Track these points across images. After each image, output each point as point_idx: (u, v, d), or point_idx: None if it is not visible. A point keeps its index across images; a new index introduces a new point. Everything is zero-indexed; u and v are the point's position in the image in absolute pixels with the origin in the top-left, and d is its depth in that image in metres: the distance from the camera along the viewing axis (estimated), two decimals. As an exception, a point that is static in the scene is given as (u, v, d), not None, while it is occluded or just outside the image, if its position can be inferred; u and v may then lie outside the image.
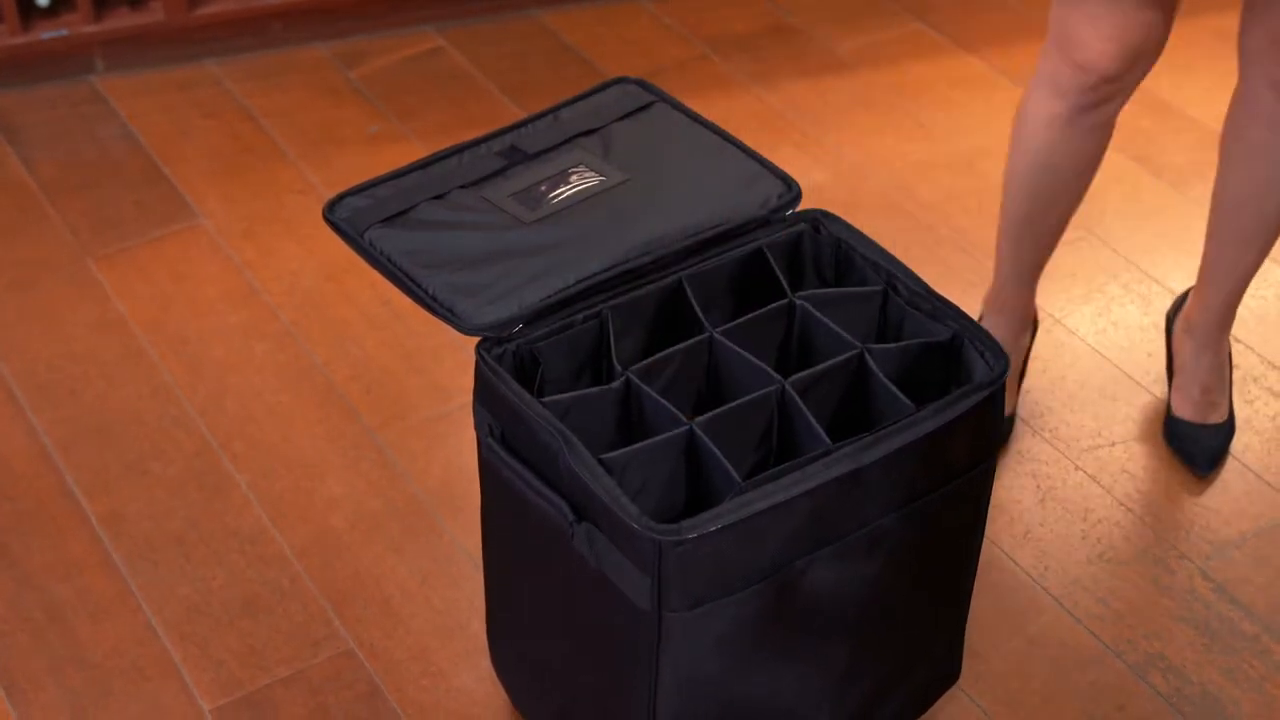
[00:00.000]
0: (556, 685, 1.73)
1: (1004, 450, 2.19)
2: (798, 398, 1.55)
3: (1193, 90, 2.87)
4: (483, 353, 1.58)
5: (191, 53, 2.93)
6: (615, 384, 1.58)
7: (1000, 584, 2.03)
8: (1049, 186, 2.01)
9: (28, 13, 2.83)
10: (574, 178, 1.71)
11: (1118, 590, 2.03)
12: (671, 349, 1.61)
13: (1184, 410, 2.19)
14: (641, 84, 1.85)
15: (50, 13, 2.84)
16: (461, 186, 1.71)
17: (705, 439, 1.52)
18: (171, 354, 2.36)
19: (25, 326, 2.40)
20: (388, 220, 1.67)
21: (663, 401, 1.55)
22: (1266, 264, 2.50)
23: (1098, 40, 1.83)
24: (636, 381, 1.58)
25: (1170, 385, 2.23)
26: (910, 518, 1.57)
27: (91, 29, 2.84)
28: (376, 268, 1.64)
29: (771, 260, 1.68)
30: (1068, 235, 2.56)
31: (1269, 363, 2.34)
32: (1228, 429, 2.19)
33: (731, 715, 1.58)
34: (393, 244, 1.64)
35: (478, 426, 1.62)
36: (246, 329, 2.40)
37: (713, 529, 1.43)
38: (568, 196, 1.69)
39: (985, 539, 2.05)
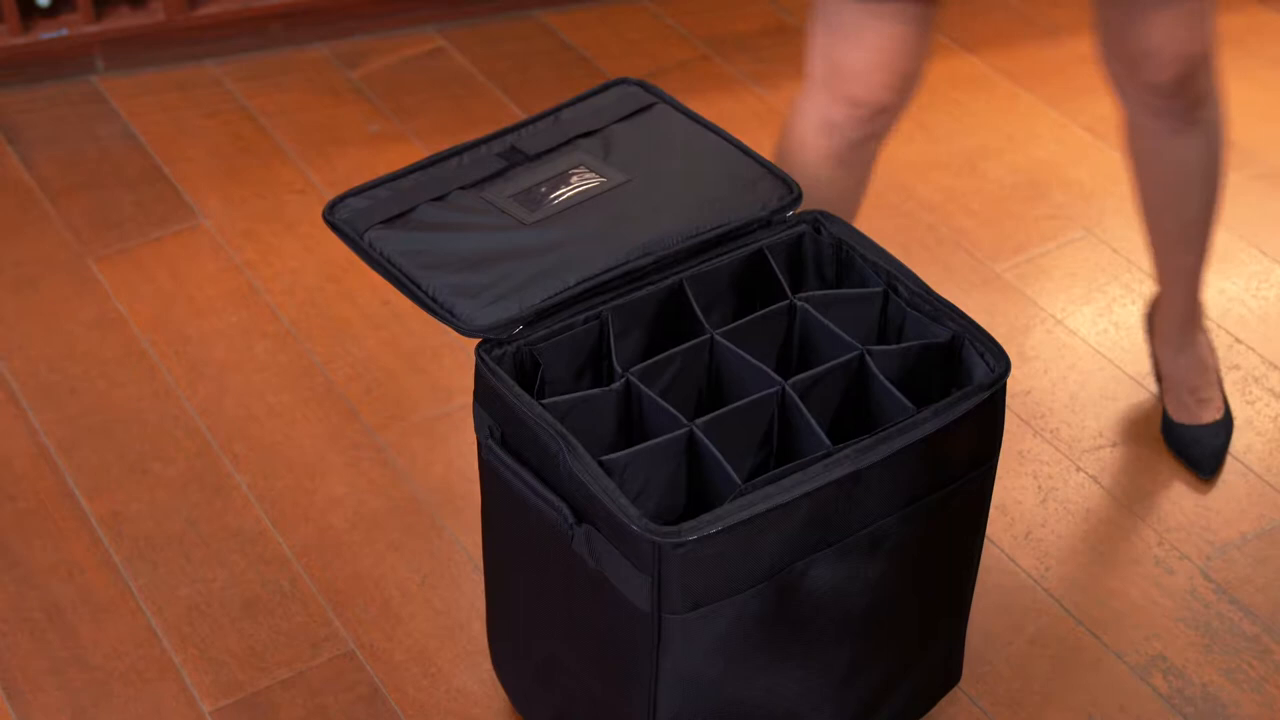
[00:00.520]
0: (556, 687, 1.72)
1: (1004, 451, 2.19)
2: (798, 399, 1.55)
3: (1194, 90, 2.86)
4: (483, 354, 1.58)
5: (192, 53, 2.93)
6: (616, 385, 1.58)
7: (1001, 585, 2.03)
8: None
9: (28, 13, 2.83)
10: (574, 179, 1.71)
11: (1118, 591, 2.03)
12: (672, 350, 1.61)
13: (1179, 414, 2.19)
14: (642, 85, 1.84)
15: (50, 13, 2.84)
16: (462, 188, 1.70)
17: (706, 441, 1.51)
18: (172, 354, 2.36)
19: (25, 326, 2.40)
20: (388, 221, 1.67)
21: (663, 403, 1.55)
22: (1266, 264, 2.49)
23: (871, 70, 1.79)
24: (637, 383, 1.57)
25: (1160, 391, 2.23)
26: (911, 519, 1.57)
27: (92, 29, 2.84)
28: (376, 269, 1.64)
29: (772, 261, 1.68)
30: (1068, 236, 2.56)
31: (1270, 363, 2.33)
32: (1226, 425, 2.19)
33: (731, 717, 1.58)
34: (393, 245, 1.64)
35: (478, 428, 1.62)
36: (247, 329, 2.40)
37: (713, 531, 1.43)
38: (568, 198, 1.68)
39: (986, 540, 2.05)
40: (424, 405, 2.28)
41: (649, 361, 1.59)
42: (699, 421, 1.53)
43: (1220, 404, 2.19)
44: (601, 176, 1.71)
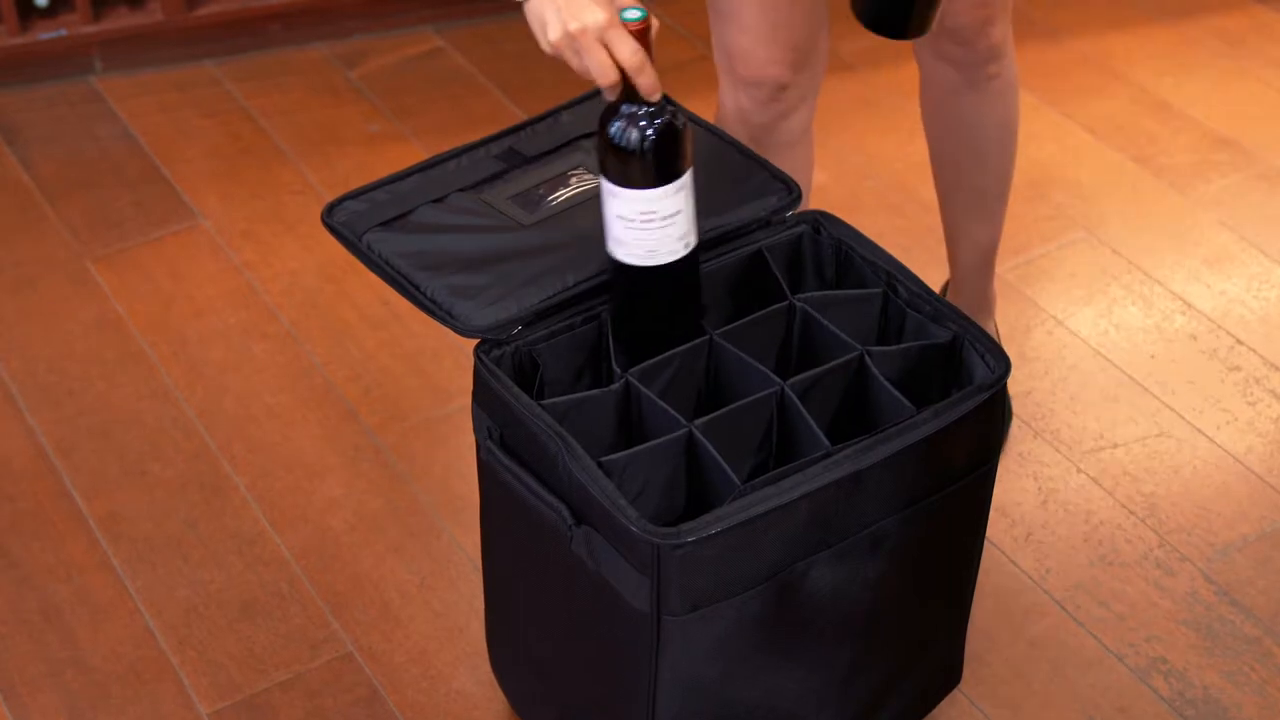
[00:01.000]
0: (555, 688, 1.72)
1: (1005, 452, 2.19)
2: (797, 400, 1.55)
3: (1194, 90, 2.86)
4: (481, 355, 1.57)
5: (190, 53, 2.92)
6: (614, 386, 1.57)
7: (1002, 587, 2.03)
8: None
9: (26, 13, 2.83)
10: (573, 180, 1.71)
11: (1119, 593, 2.02)
12: (671, 351, 1.60)
13: None
14: (641, 85, 1.84)
15: (49, 13, 2.84)
16: (460, 189, 1.70)
17: (705, 441, 1.51)
18: (171, 354, 2.35)
19: (24, 327, 2.40)
20: (386, 224, 1.66)
21: (662, 404, 1.55)
22: (1268, 265, 2.49)
23: (759, 48, 1.81)
24: (636, 384, 1.57)
25: None
26: (911, 520, 1.56)
27: (90, 29, 2.84)
28: (375, 271, 1.64)
29: (771, 262, 1.67)
30: (1068, 236, 2.55)
31: (1271, 365, 2.33)
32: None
33: (730, 718, 1.58)
34: (391, 247, 1.64)
35: (476, 429, 1.62)
36: (246, 329, 2.39)
37: (712, 532, 1.42)
38: (567, 199, 1.68)
39: (986, 541, 2.05)
40: (423, 406, 2.27)
41: (648, 362, 1.59)
42: (698, 422, 1.53)
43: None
44: (599, 178, 1.70)
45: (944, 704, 1.88)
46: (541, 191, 1.69)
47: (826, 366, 1.58)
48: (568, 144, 1.76)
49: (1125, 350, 2.36)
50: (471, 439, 1.65)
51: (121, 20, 2.86)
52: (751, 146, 1.86)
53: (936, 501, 1.57)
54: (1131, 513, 2.12)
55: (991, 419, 1.59)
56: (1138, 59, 2.94)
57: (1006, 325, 2.38)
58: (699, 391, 1.64)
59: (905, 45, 3.06)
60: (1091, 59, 2.95)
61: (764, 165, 1.74)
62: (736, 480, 1.47)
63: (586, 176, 1.71)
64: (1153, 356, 2.34)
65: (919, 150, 2.73)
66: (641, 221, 1.51)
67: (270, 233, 2.56)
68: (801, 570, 1.50)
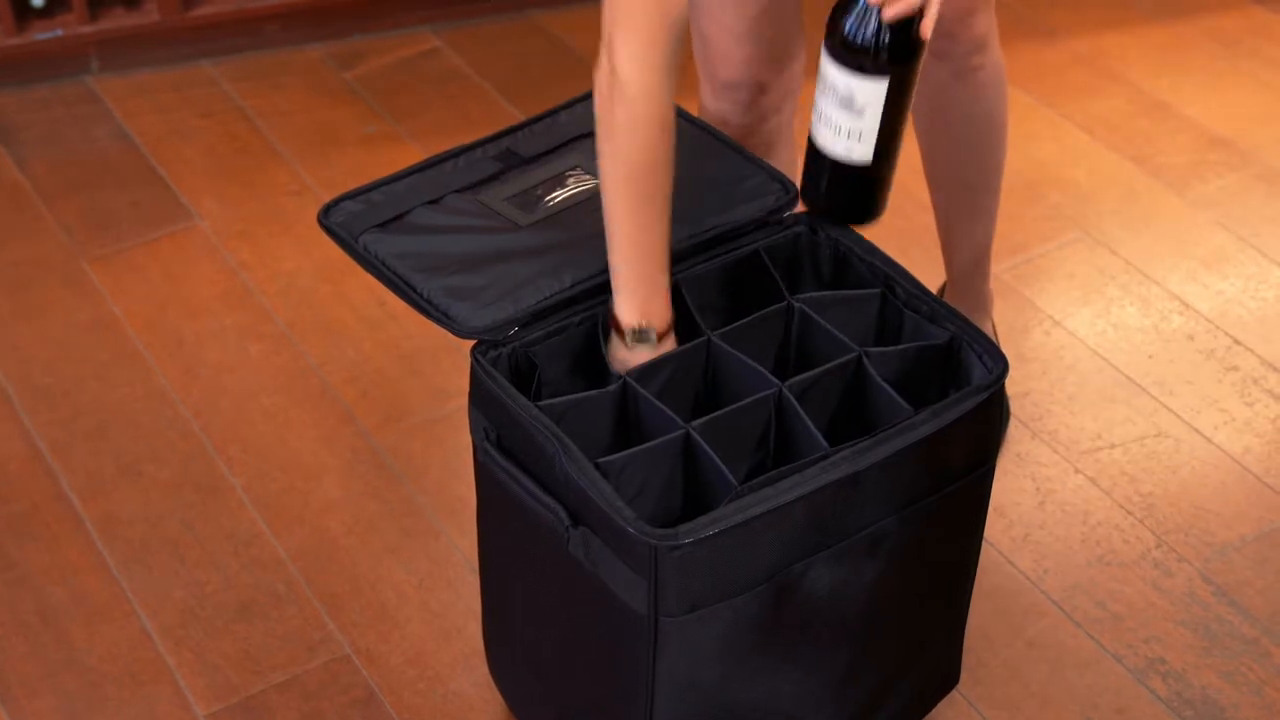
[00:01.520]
0: (553, 690, 1.72)
1: (1003, 453, 2.18)
2: (795, 401, 1.55)
3: (1190, 90, 2.86)
4: (478, 356, 1.57)
5: (187, 53, 2.92)
6: (612, 387, 1.57)
7: (999, 587, 2.03)
8: None
9: (22, 13, 2.82)
10: (570, 181, 1.71)
11: (1117, 593, 2.02)
12: (669, 351, 1.60)
13: None
14: (638, 86, 1.84)
15: (45, 13, 2.83)
16: (457, 191, 1.70)
17: (702, 442, 1.51)
18: (167, 355, 2.35)
19: (20, 328, 2.40)
20: (383, 225, 1.66)
21: (659, 405, 1.54)
22: (1265, 265, 2.49)
23: (738, 47, 1.83)
24: (633, 385, 1.57)
25: None
26: (909, 521, 1.56)
27: (86, 29, 2.83)
28: (372, 272, 1.63)
29: (769, 262, 1.67)
30: (1066, 237, 2.55)
31: (1269, 365, 2.33)
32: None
33: (729, 719, 1.58)
34: (388, 248, 1.63)
35: (473, 430, 1.61)
36: (242, 330, 2.39)
37: (709, 533, 1.42)
38: (564, 199, 1.68)
39: (984, 542, 2.04)
40: (420, 407, 2.27)
41: (645, 363, 1.58)
42: (696, 423, 1.52)
43: None
44: (597, 178, 1.70)
45: (942, 704, 1.88)
46: (538, 192, 1.69)
47: (824, 368, 1.58)
48: (565, 145, 1.76)
49: (1123, 350, 2.35)
50: (469, 440, 1.65)
51: (118, 20, 2.85)
52: None
53: (934, 502, 1.57)
54: (1129, 513, 2.12)
55: (989, 420, 1.59)
56: (1134, 59, 2.94)
57: (1004, 325, 2.37)
58: (697, 392, 1.63)
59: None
60: (1088, 59, 2.95)
61: (761, 166, 1.74)
62: (734, 481, 1.47)
63: (584, 177, 1.71)
64: (1150, 357, 2.34)
65: (915, 150, 2.73)
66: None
67: (267, 233, 2.56)
68: (799, 571, 1.50)
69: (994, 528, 2.09)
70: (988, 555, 2.05)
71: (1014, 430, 2.23)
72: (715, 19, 1.81)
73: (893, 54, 1.56)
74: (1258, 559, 2.06)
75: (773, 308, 1.65)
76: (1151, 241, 2.55)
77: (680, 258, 1.65)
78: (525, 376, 1.59)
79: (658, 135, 1.52)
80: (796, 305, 1.64)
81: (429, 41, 2.99)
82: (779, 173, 1.73)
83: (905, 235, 2.55)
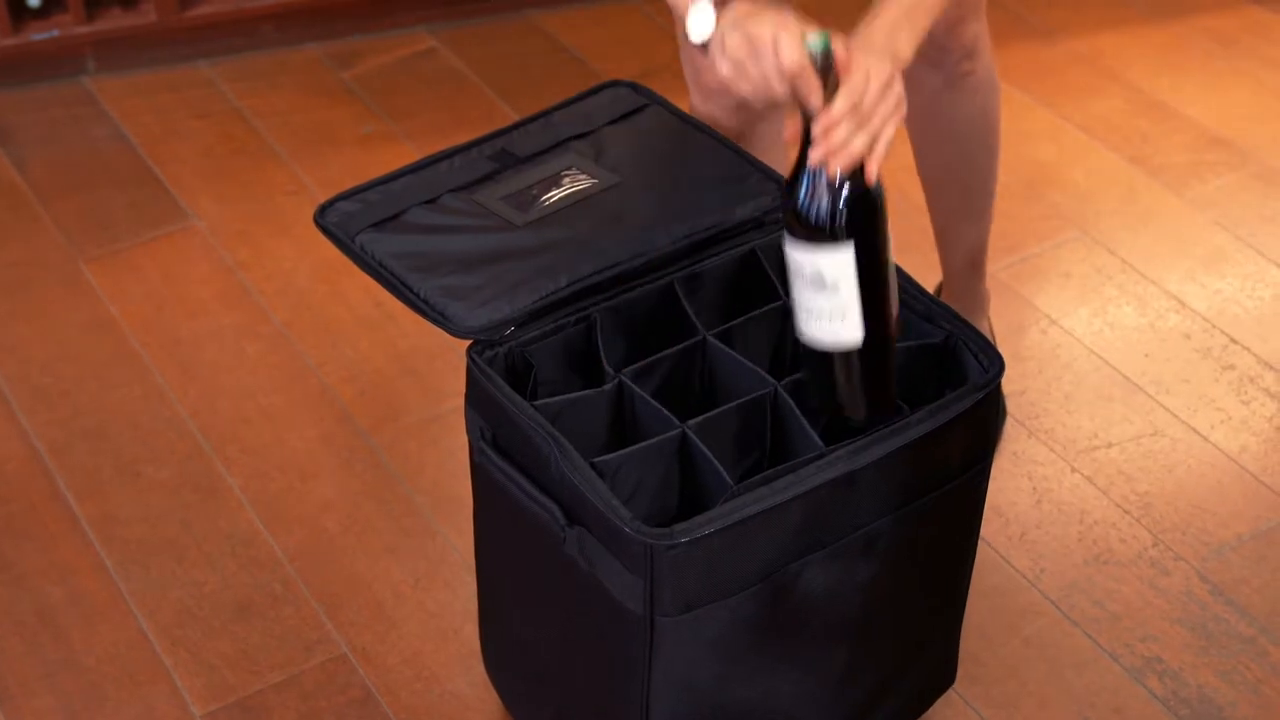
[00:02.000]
0: (549, 690, 1.72)
1: (999, 452, 2.18)
2: (790, 400, 1.55)
3: (1189, 90, 2.86)
4: (474, 355, 1.57)
5: (183, 54, 2.92)
6: (607, 387, 1.57)
7: (996, 586, 2.03)
8: None
9: (19, 14, 2.82)
10: (566, 180, 1.70)
11: (1114, 592, 2.02)
12: (664, 352, 1.60)
13: None
14: (634, 87, 1.84)
15: (42, 14, 2.83)
16: (453, 190, 1.70)
17: (698, 442, 1.51)
18: (164, 356, 2.35)
19: (17, 328, 2.40)
20: (379, 224, 1.66)
21: (655, 404, 1.55)
22: (1262, 264, 2.49)
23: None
24: (629, 384, 1.57)
25: None
26: (905, 520, 1.56)
27: (83, 30, 2.83)
28: (368, 272, 1.63)
29: (765, 262, 1.67)
30: (1063, 236, 2.55)
31: (1266, 364, 2.33)
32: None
33: (724, 719, 1.57)
34: (384, 248, 1.63)
35: (469, 430, 1.61)
36: (239, 330, 2.39)
37: (705, 533, 1.42)
38: (560, 199, 1.68)
39: (981, 541, 2.04)
40: (417, 407, 2.27)
41: (641, 363, 1.59)
42: (691, 423, 1.52)
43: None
44: (593, 178, 1.70)
45: (939, 704, 1.88)
46: (534, 192, 1.69)
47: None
48: (560, 144, 1.76)
49: (1120, 349, 2.36)
50: (465, 439, 1.65)
51: (114, 21, 2.85)
52: None
53: (930, 502, 1.57)
54: (1126, 512, 2.12)
55: (985, 419, 1.59)
56: (1132, 59, 2.94)
57: (1001, 324, 2.37)
58: (692, 392, 1.63)
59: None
60: (1086, 59, 2.95)
61: (757, 165, 1.74)
62: (730, 481, 1.47)
63: (579, 177, 1.71)
64: (1147, 356, 2.34)
65: (911, 150, 2.73)
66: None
67: (264, 234, 2.56)
68: (795, 571, 1.50)
69: (991, 527, 2.09)
70: (984, 554, 2.05)
71: (1011, 429, 2.23)
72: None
73: (851, 213, 1.42)
74: (1255, 558, 2.06)
75: (768, 307, 1.65)
76: (1149, 241, 2.55)
77: (676, 257, 1.65)
78: (521, 376, 1.59)
79: None
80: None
81: (426, 41, 2.99)
82: (775, 172, 1.73)
83: (900, 235, 2.53)
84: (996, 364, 1.57)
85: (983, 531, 2.03)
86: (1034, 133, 2.76)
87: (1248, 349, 2.35)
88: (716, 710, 1.56)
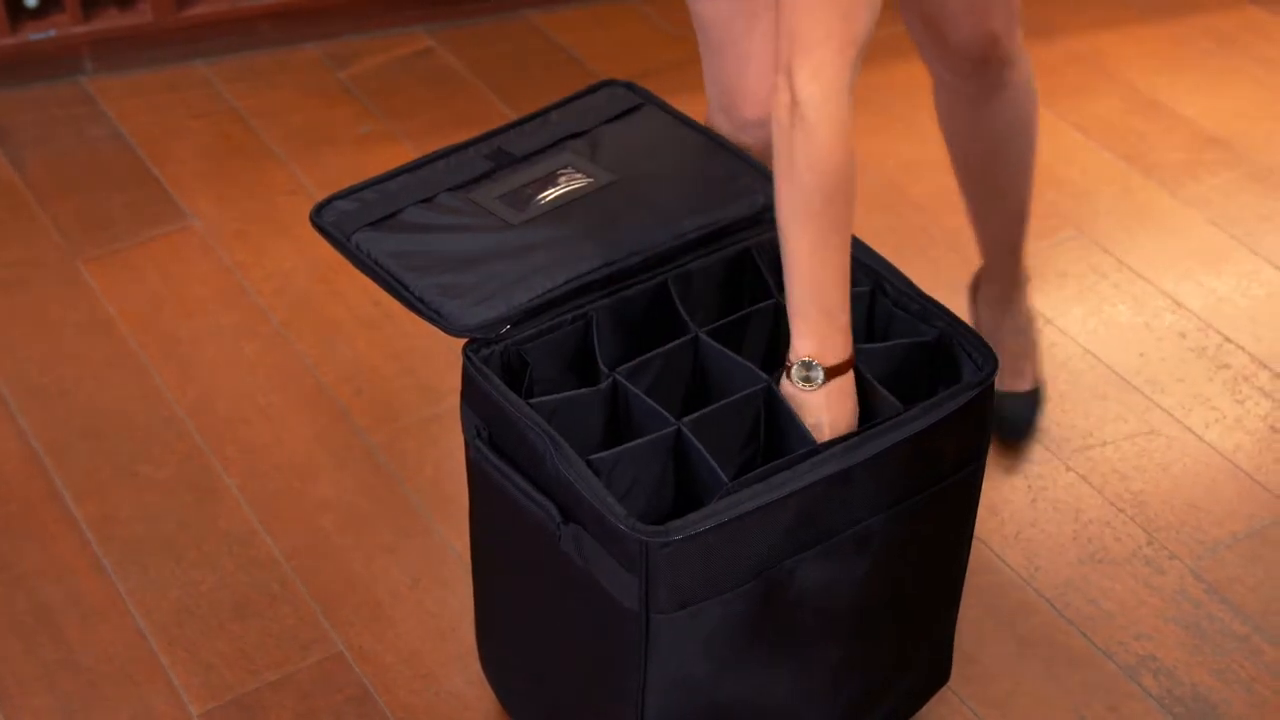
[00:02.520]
0: (546, 687, 1.72)
1: (994, 450, 2.19)
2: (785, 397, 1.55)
3: (1183, 89, 2.87)
4: (470, 354, 1.58)
5: (181, 53, 2.92)
6: (603, 385, 1.57)
7: (991, 584, 2.03)
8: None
9: (16, 14, 2.83)
10: (562, 179, 1.71)
11: (1109, 591, 2.03)
12: (658, 349, 1.60)
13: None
14: (630, 86, 1.84)
15: (39, 14, 2.84)
16: (449, 189, 1.70)
17: (693, 439, 1.51)
18: (162, 355, 2.35)
19: (14, 328, 2.40)
20: (375, 224, 1.67)
21: (650, 402, 1.55)
22: (1257, 263, 2.50)
23: (764, 79, 1.74)
24: (624, 382, 1.57)
25: None
26: (899, 518, 1.56)
27: (80, 30, 2.84)
28: (364, 271, 1.64)
29: (759, 260, 1.68)
30: (1059, 235, 2.56)
31: (1259, 362, 2.33)
32: (1035, 397, 2.21)
33: (719, 716, 1.58)
34: (380, 247, 1.64)
35: (465, 428, 1.62)
36: (237, 330, 2.39)
37: (700, 529, 1.42)
38: (555, 198, 1.68)
39: (976, 539, 2.05)
40: (414, 406, 2.27)
41: (636, 361, 1.59)
42: (686, 420, 1.53)
43: (1033, 378, 2.20)
44: (589, 177, 1.71)
45: (933, 701, 1.88)
46: (530, 191, 1.70)
47: (814, 364, 1.59)
48: (556, 144, 1.76)
49: (1114, 348, 2.36)
50: (462, 438, 1.65)
51: (111, 21, 2.86)
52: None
53: (924, 499, 1.57)
54: (1120, 510, 2.13)
55: (979, 416, 1.59)
56: (1129, 58, 2.95)
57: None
58: (687, 389, 1.64)
59: (895, 46, 3.07)
60: (1083, 58, 2.95)
61: (750, 164, 1.74)
62: (724, 477, 1.47)
63: (575, 176, 1.71)
64: (1142, 354, 2.35)
65: (909, 149, 2.74)
66: None
67: (261, 233, 2.56)
68: (790, 568, 1.50)
69: (985, 525, 2.09)
70: (979, 552, 2.06)
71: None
72: (737, 47, 1.74)
73: None
74: (1248, 556, 2.07)
75: (762, 305, 1.65)
76: (1145, 240, 2.55)
77: (670, 256, 1.66)
78: (517, 374, 1.60)
79: (841, 161, 1.46)
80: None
81: (423, 41, 3.00)
82: (768, 171, 1.73)
83: (898, 234, 2.56)
84: (990, 362, 1.57)
85: (977, 530, 2.04)
86: (1030, 132, 2.76)
87: (1242, 348, 2.36)
88: (711, 706, 1.57)
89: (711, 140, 1.77)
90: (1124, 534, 2.10)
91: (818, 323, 1.50)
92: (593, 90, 1.84)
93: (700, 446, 1.50)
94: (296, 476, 2.18)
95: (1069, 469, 2.18)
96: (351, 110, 2.83)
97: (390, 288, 1.61)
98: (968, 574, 1.81)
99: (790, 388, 1.53)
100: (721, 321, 1.63)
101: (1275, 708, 1.90)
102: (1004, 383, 2.18)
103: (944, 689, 1.88)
